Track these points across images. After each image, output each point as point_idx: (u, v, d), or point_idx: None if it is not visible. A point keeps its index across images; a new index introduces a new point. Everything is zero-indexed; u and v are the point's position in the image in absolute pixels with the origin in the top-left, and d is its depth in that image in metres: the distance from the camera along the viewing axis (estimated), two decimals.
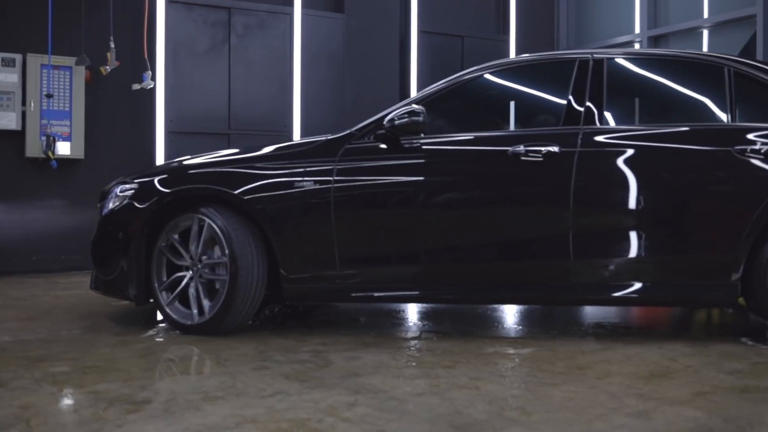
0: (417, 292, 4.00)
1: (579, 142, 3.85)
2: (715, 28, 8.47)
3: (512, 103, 4.40)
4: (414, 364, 3.35)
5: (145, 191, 4.08)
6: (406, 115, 3.81)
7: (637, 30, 9.24)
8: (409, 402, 2.72)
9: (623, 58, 4.21)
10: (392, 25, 8.50)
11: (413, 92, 8.28)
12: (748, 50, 8.00)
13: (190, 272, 3.97)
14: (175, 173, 4.16)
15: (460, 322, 4.47)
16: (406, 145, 3.92)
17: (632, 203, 3.81)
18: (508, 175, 3.90)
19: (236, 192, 3.91)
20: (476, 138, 4.03)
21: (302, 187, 3.94)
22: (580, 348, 3.67)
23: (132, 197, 4.10)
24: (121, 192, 4.19)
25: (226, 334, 3.89)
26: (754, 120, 3.97)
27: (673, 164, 3.85)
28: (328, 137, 4.08)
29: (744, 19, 8.00)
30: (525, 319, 4.57)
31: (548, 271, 3.88)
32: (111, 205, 4.20)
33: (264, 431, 2.39)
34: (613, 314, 4.75)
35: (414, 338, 3.96)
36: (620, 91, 4.21)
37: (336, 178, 3.91)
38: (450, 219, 3.94)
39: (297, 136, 7.70)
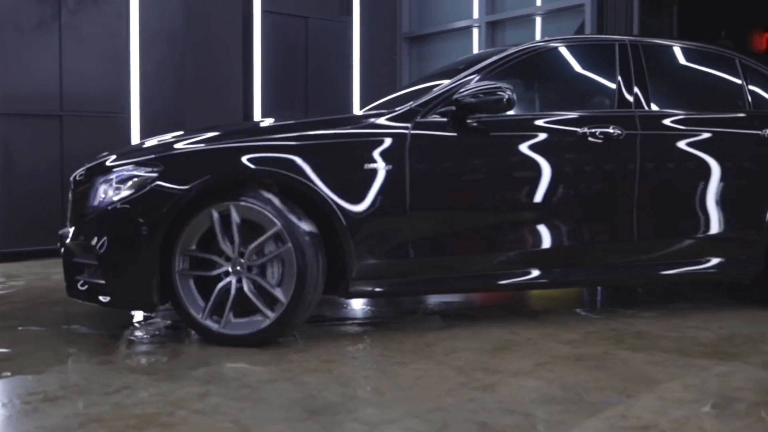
0: (500, 282, 3.74)
1: (638, 125, 3.94)
2: (548, 16, 8.89)
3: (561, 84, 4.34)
4: (265, 350, 3.32)
5: (175, 175, 3.33)
6: (491, 93, 3.55)
7: (476, 15, 9.55)
8: (262, 389, 2.70)
9: (654, 44, 4.30)
10: (235, 4, 8.31)
11: (257, 73, 8.16)
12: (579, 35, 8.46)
13: (229, 272, 3.34)
14: (214, 153, 3.45)
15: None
16: (474, 124, 3.66)
17: (689, 185, 4.00)
18: (584, 156, 3.85)
19: (305, 177, 3.38)
20: (543, 118, 3.90)
21: (372, 169, 3.51)
22: (427, 327, 3.76)
23: (160, 181, 3.32)
24: (135, 176, 3.39)
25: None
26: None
27: (720, 148, 4.06)
28: (389, 113, 3.66)
29: (573, 8, 8.45)
30: (371, 301, 4.64)
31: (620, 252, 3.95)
32: (123, 193, 3.36)
33: (110, 430, 2.29)
34: (457, 296, 4.90)
35: None
36: (659, 76, 4.22)
37: (409, 159, 3.55)
38: (529, 202, 3.74)
39: (136, 118, 7.39)
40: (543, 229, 3.76)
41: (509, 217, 3.75)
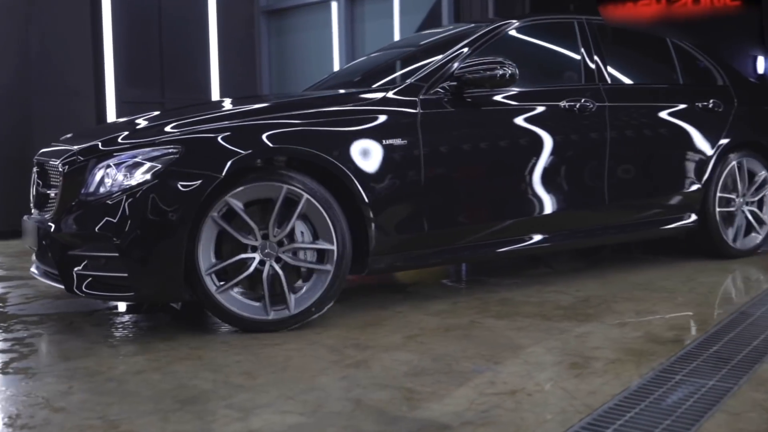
0: (506, 248, 3.88)
1: (605, 97, 4.24)
2: None
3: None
4: (130, 340, 3.21)
5: (200, 157, 3.13)
6: (493, 67, 3.64)
7: None
8: (129, 381, 2.61)
9: (603, 26, 4.60)
10: None
11: (108, 50, 7.79)
12: (435, 11, 8.58)
13: (259, 254, 3.19)
14: (239, 133, 3.24)
15: None
16: (468, 99, 3.76)
17: (648, 151, 4.43)
18: (567, 128, 4.07)
19: (332, 156, 3.31)
20: (535, 91, 4.10)
21: (391, 144, 3.49)
22: None
23: (179, 165, 3.09)
24: (151, 159, 3.11)
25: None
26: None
27: (668, 117, 4.52)
28: (396, 88, 3.68)
29: None
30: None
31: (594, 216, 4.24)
32: (138, 178, 3.08)
33: None
34: None
35: (126, 313, 3.77)
36: (610, 52, 4.50)
37: (421, 134, 3.57)
38: (531, 172, 3.91)
39: None
40: (544, 197, 3.97)
41: (516, 186, 3.92)
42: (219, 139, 3.19)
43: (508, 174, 3.92)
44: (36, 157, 3.72)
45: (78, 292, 3.15)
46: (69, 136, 3.81)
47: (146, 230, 3.06)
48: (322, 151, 3.31)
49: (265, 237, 3.20)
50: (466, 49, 3.90)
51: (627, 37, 4.87)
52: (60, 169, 3.30)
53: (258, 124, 3.31)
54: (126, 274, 3.07)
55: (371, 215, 3.40)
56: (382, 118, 3.54)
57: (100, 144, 3.26)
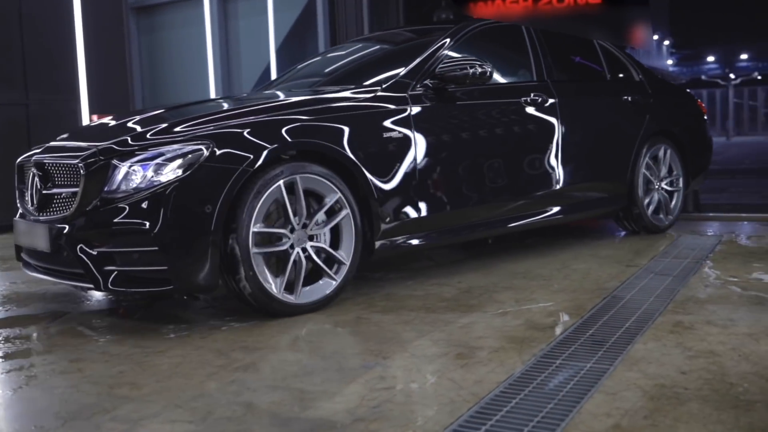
0: (488, 230, 4.39)
1: (554, 91, 4.74)
2: None
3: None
4: (4, 355, 3.05)
5: (222, 155, 3.23)
6: (472, 66, 4.02)
7: None
8: (6, 400, 2.48)
9: (543, 30, 5.08)
10: None
11: None
12: (309, 7, 8.56)
13: (290, 242, 3.40)
14: (260, 127, 3.40)
15: (49, 301, 4.15)
16: (449, 94, 4.14)
17: (589, 139, 4.96)
18: (530, 119, 4.58)
19: (343, 147, 3.59)
20: (501, 87, 4.62)
21: (390, 136, 3.82)
22: (176, 312, 3.67)
23: (214, 158, 3.21)
24: (183, 155, 3.20)
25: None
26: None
27: (603, 109, 5.20)
28: (384, 85, 3.98)
29: None
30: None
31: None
32: (171, 173, 3.17)
33: None
34: None
35: None
36: (551, 53, 4.98)
37: (414, 127, 3.91)
38: (504, 159, 4.39)
39: None
40: (516, 181, 4.47)
41: (498, 170, 4.36)
42: (245, 134, 3.35)
43: (487, 161, 4.31)
44: (34, 159, 3.63)
45: (109, 288, 3.22)
46: (66, 135, 3.88)
47: (184, 223, 3.17)
48: (337, 145, 3.58)
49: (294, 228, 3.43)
50: (442, 50, 4.28)
51: (561, 39, 5.39)
52: (79, 169, 3.31)
53: (276, 119, 3.49)
54: (165, 267, 3.15)
55: (377, 202, 3.70)
56: (385, 113, 3.85)
57: (120, 143, 3.34)
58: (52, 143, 3.78)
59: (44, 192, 3.51)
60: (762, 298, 3.39)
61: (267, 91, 4.84)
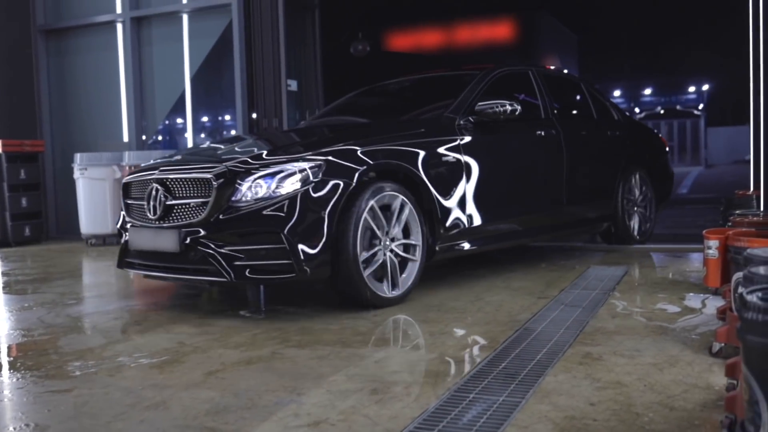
0: (525, 238, 5.56)
1: (558, 126, 5.69)
2: (194, 14, 8.82)
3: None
4: None
5: (330, 172, 4.02)
6: (504, 105, 4.90)
7: (119, 10, 9.16)
8: None
9: (545, 73, 6.11)
10: None
11: None
12: (226, 36, 8.52)
13: (381, 247, 4.19)
14: (356, 151, 4.20)
15: None
16: (489, 124, 5.02)
17: (585, 165, 5.94)
18: (542, 148, 5.58)
19: (417, 168, 4.43)
20: (521, 121, 5.28)
21: (447, 160, 4.66)
22: (86, 345, 3.55)
23: (324, 175, 4.00)
24: (301, 172, 3.98)
25: None
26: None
27: (595, 142, 6.19)
28: (439, 116, 4.90)
29: (220, 7, 8.49)
30: (19, 320, 4.25)
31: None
32: (291, 186, 3.94)
33: None
34: (116, 308, 4.70)
35: None
36: (551, 92, 5.92)
37: (463, 153, 4.76)
38: (530, 179, 5.43)
39: None
40: (537, 198, 5.48)
41: (526, 189, 5.39)
42: (347, 156, 4.14)
43: (517, 181, 5.31)
44: (155, 176, 4.30)
45: (242, 278, 3.92)
46: (178, 158, 4.68)
47: (304, 225, 3.90)
48: (413, 166, 4.41)
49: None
50: (475, 91, 5.15)
51: (557, 80, 6.41)
52: (212, 182, 4.02)
53: (366, 144, 4.28)
54: (290, 261, 3.87)
55: (438, 213, 4.52)
56: (443, 141, 4.69)
57: (243, 162, 4.11)
58: (163, 162, 4.51)
59: (168, 203, 4.16)
60: (665, 328, 3.51)
61: (332, 118, 5.90)
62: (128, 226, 4.49)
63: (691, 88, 40.09)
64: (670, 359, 2.99)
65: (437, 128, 4.75)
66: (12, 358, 3.38)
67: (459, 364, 3.02)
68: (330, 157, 4.07)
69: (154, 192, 4.25)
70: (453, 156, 4.69)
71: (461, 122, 4.87)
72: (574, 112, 6.50)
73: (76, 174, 8.50)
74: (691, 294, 4.33)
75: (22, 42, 9.51)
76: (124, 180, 4.68)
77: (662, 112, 39.76)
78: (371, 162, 4.17)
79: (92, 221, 8.54)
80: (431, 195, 4.47)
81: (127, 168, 8.13)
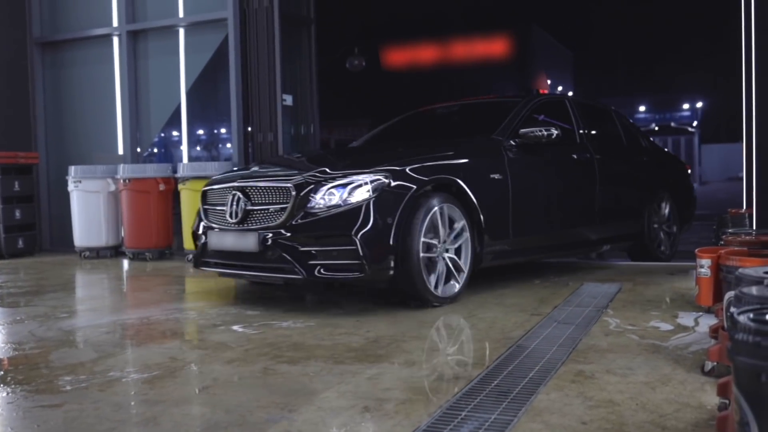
0: (561, 252, 6.12)
1: (591, 150, 6.23)
2: (191, 28, 8.84)
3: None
4: None
5: (394, 183, 4.53)
6: (547, 130, 5.43)
7: (115, 24, 9.18)
8: None
9: (579, 101, 6.72)
10: None
11: None
12: (222, 51, 8.53)
13: (439, 251, 4.70)
14: (417, 166, 4.71)
15: None
16: (529, 149, 5.51)
17: (616, 187, 6.46)
18: (579, 170, 6.11)
19: (466, 183, 4.89)
20: (558, 144, 5.74)
21: (494, 178, 5.15)
22: (78, 359, 3.54)
23: (389, 187, 4.50)
24: (371, 182, 4.47)
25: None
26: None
27: (625, 166, 6.74)
28: (486, 138, 5.40)
29: (217, 22, 8.51)
30: (11, 334, 4.23)
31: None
32: (360, 195, 4.43)
33: None
34: (108, 322, 4.69)
35: None
36: (584, 119, 6.45)
37: (509, 171, 5.24)
38: (568, 197, 5.94)
39: None
40: (572, 215, 5.99)
41: (562, 206, 5.86)
42: (408, 170, 4.64)
43: (556, 199, 5.80)
44: (235, 185, 4.85)
45: (314, 277, 4.39)
46: (255, 169, 5.31)
47: (372, 230, 4.37)
48: (463, 181, 4.87)
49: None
50: (518, 116, 5.65)
51: (590, 108, 6.94)
52: (291, 191, 4.55)
53: (426, 160, 4.84)
54: (359, 261, 4.34)
55: (483, 225, 4.96)
56: (483, 158, 5.20)
57: (319, 173, 4.65)
58: (240, 174, 5.15)
59: (247, 208, 4.68)
60: (658, 347, 3.51)
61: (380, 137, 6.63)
62: (205, 229, 5.03)
63: (686, 106, 40.31)
64: (662, 378, 2.99)
65: (485, 149, 5.30)
66: (2, 372, 3.36)
67: (451, 382, 3.01)
68: (393, 172, 4.58)
69: (235, 198, 4.76)
70: (498, 174, 5.18)
71: (506, 144, 5.38)
72: (606, 138, 6.86)
73: (71, 186, 8.49)
74: (685, 312, 4.34)
75: (18, 54, 9.51)
76: (203, 188, 5.27)
77: (657, 128, 39.95)
78: (429, 177, 4.67)
79: (86, 234, 8.53)
80: (479, 208, 4.93)
81: (121, 181, 8.13)
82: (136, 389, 3.01)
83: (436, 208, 4.63)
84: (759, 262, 3.28)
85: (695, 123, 39.57)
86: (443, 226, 4.70)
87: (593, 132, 6.52)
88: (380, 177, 4.51)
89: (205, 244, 4.99)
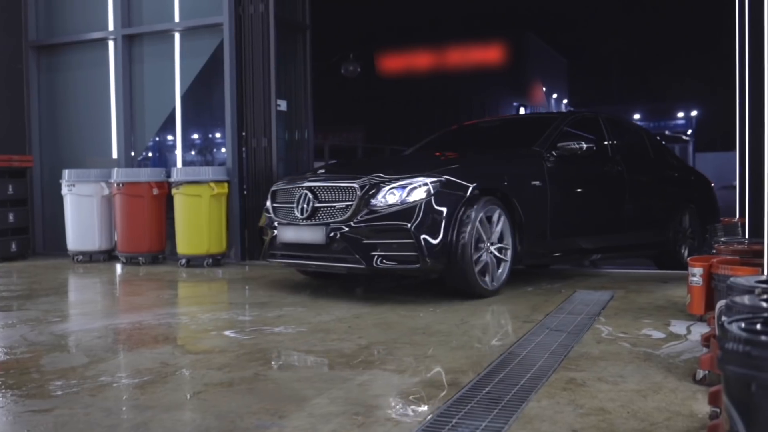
0: (591, 255, 6.59)
1: (622, 164, 6.74)
2: (186, 33, 8.84)
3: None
4: None
5: (447, 186, 5.11)
6: (581, 144, 6.00)
7: (111, 28, 9.18)
8: None
9: (611, 119, 7.22)
10: None
11: None
12: (217, 56, 8.53)
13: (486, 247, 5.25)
14: (468, 171, 5.33)
15: None
16: (566, 161, 6.03)
17: (644, 197, 6.91)
18: (610, 182, 6.64)
19: (511, 189, 5.49)
20: (592, 157, 6.32)
21: (534, 185, 5.72)
22: (69, 364, 3.52)
23: (443, 188, 5.08)
24: (427, 184, 5.05)
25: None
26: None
27: (652, 179, 7.20)
28: (530, 151, 5.95)
29: (212, 27, 8.51)
30: (2, 338, 4.21)
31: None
32: (418, 195, 5.01)
33: None
34: (100, 326, 4.67)
35: None
36: (614, 134, 7.03)
37: (548, 179, 5.80)
38: (600, 205, 6.45)
39: None
40: (605, 221, 6.48)
41: (594, 211, 6.36)
42: (459, 174, 5.23)
43: (589, 206, 6.30)
44: (306, 185, 5.43)
45: (375, 266, 4.99)
46: (322, 171, 5.93)
47: (428, 225, 4.94)
48: (507, 186, 5.45)
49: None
50: (557, 131, 6.24)
51: (621, 125, 7.54)
52: (356, 190, 5.16)
53: (474, 167, 5.50)
54: (416, 253, 4.92)
55: (524, 226, 5.50)
56: (532, 168, 5.77)
57: (381, 175, 5.23)
58: (307, 176, 5.74)
59: (316, 205, 5.27)
60: (650, 354, 3.52)
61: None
62: (273, 224, 5.61)
63: (680, 114, 40.40)
64: (653, 386, 2.99)
65: (527, 158, 5.88)
66: None
67: (442, 388, 3.01)
68: (446, 176, 5.15)
69: (304, 197, 5.35)
70: (538, 181, 5.74)
71: (545, 155, 5.92)
72: (635, 153, 7.29)
73: (64, 190, 8.47)
74: (677, 320, 4.34)
75: (13, 57, 9.50)
76: (273, 188, 5.91)
77: None
78: (477, 182, 5.21)
79: (79, 238, 8.51)
80: (520, 211, 5.48)
81: (115, 185, 8.11)
82: (127, 394, 3.00)
83: (483, 209, 5.16)
84: (751, 271, 3.28)
85: (690, 131, 39.68)
86: (489, 226, 5.26)
87: (623, 147, 7.01)
88: (435, 180, 5.08)
89: (272, 238, 5.58)
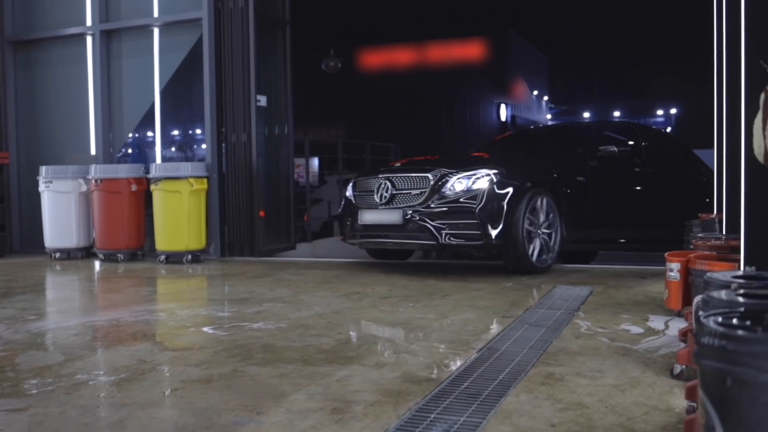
0: (624, 244, 7.58)
1: (653, 167, 7.79)
2: (165, 28, 8.78)
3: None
4: None
5: (505, 178, 6.15)
6: (619, 147, 7.19)
7: (89, 23, 9.09)
8: None
9: (644, 127, 8.76)
10: None
11: None
12: (196, 51, 8.48)
13: (536, 232, 6.30)
14: (524, 166, 6.69)
15: None
16: (605, 162, 7.13)
17: (666, 195, 7.71)
18: (642, 181, 7.67)
19: (560, 183, 6.64)
20: (627, 159, 7.42)
21: (579, 180, 6.85)
22: (45, 362, 3.48)
23: (503, 178, 6.14)
24: (488, 175, 6.13)
25: None
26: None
27: (674, 179, 8.06)
28: (575, 152, 7.18)
29: (191, 22, 8.45)
30: None
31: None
32: (480, 185, 6.09)
33: None
34: (77, 324, 4.63)
35: None
36: (647, 140, 8.14)
37: (591, 175, 6.91)
38: (634, 201, 7.51)
39: None
40: (639, 214, 7.43)
41: (628, 205, 7.36)
42: (517, 168, 6.40)
43: (626, 201, 7.34)
44: (383, 176, 6.53)
45: (444, 242, 6.04)
46: (398, 165, 7.04)
47: (490, 209, 6.00)
48: (556, 180, 6.60)
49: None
50: (599, 135, 7.66)
51: (652, 133, 9.00)
52: (430, 180, 6.24)
53: (530, 163, 6.89)
54: (479, 232, 5.99)
55: (569, 215, 6.51)
56: (577, 166, 6.93)
57: (449, 168, 6.31)
58: (384, 168, 6.87)
59: (393, 192, 6.37)
60: (628, 349, 3.53)
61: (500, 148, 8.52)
62: (355, 210, 6.65)
63: (660, 111, 40.67)
64: (631, 381, 3.00)
65: (572, 159, 7.03)
66: None
67: (421, 384, 3.00)
68: (505, 169, 6.21)
69: (383, 185, 6.44)
70: (582, 178, 6.85)
71: (588, 156, 7.03)
72: (664, 157, 8.26)
73: (41, 187, 8.39)
74: (655, 315, 4.37)
75: None
76: (354, 179, 6.98)
77: None
78: (531, 175, 6.35)
79: (57, 235, 8.43)
80: (566, 202, 6.53)
81: (93, 181, 8.04)
82: (104, 392, 2.97)
83: (536, 198, 6.19)
84: (727, 267, 3.30)
85: (669, 129, 39.98)
86: (540, 213, 6.25)
87: (656, 151, 8.04)
88: (497, 171, 6.13)
89: (353, 222, 6.61)
